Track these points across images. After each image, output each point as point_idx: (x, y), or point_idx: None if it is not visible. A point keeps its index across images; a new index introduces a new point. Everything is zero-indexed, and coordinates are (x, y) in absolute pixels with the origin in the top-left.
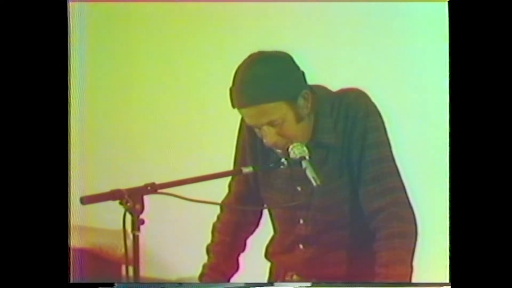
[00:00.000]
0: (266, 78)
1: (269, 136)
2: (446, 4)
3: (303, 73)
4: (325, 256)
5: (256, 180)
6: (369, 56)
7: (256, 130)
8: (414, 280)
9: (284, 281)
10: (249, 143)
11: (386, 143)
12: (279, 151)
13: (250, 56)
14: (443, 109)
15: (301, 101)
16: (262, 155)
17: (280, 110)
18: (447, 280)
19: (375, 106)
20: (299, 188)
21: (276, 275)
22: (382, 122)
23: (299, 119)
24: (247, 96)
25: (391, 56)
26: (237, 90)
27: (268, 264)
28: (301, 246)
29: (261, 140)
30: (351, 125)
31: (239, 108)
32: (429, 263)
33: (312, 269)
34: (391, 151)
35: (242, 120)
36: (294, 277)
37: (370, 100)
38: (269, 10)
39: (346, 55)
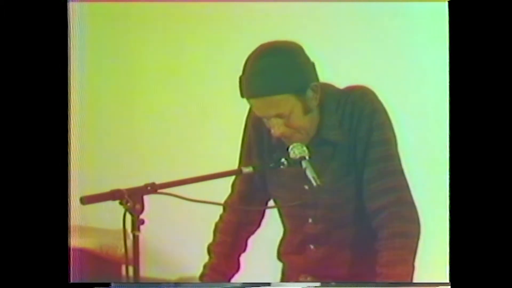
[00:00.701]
0: (275, 70)
1: (276, 127)
2: (446, 4)
3: (313, 64)
4: (336, 255)
5: (264, 178)
6: (368, 56)
7: (265, 120)
8: (414, 280)
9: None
10: (254, 140)
11: (391, 142)
12: (285, 141)
13: (261, 45)
14: (443, 109)
15: (310, 93)
16: (268, 153)
17: (288, 103)
18: (447, 280)
19: (381, 104)
20: (306, 187)
21: (288, 277)
22: (388, 120)
23: (307, 110)
24: (255, 87)
25: (390, 56)
26: (246, 80)
27: (268, 264)
28: (312, 247)
29: (267, 138)
30: (356, 123)
31: (247, 98)
32: (429, 263)
33: (325, 270)
34: (396, 150)
35: (248, 118)
36: (309, 279)
37: (376, 97)
38: (270, 10)
39: (346, 54)
